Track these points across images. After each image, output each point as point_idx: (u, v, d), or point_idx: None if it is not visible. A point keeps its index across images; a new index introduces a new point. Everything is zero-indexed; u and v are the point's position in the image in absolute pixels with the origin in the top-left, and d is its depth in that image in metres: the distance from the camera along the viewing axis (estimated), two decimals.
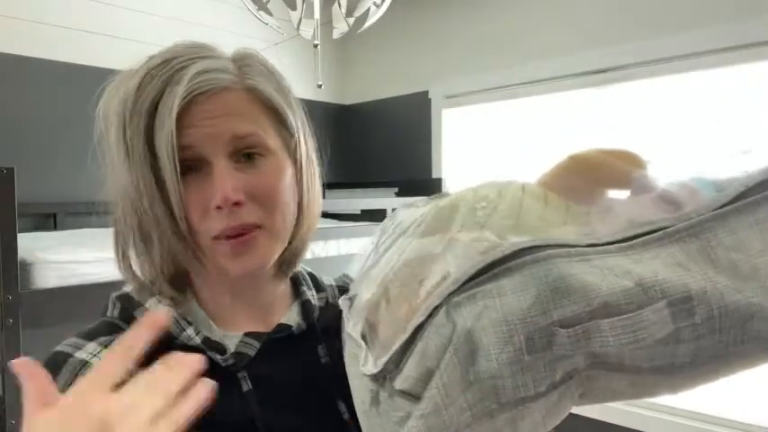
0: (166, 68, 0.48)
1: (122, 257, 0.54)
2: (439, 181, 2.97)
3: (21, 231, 1.36)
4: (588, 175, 0.44)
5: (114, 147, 0.49)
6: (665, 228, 0.37)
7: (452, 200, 0.47)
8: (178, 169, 0.47)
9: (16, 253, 1.34)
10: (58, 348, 0.50)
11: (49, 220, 2.22)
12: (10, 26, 2.19)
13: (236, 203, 0.49)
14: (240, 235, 0.50)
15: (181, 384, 0.35)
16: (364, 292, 0.48)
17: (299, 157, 0.56)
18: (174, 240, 0.50)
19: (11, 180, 1.31)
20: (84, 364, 0.48)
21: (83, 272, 1.48)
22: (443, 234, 0.44)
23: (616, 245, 0.37)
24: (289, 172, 0.55)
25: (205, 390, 0.36)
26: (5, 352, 1.32)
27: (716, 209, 0.38)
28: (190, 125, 0.48)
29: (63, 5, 2.33)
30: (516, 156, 2.70)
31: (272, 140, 0.53)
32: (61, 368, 0.48)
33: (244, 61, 0.54)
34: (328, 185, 3.41)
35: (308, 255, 2.17)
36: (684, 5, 2.13)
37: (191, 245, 0.50)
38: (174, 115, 0.47)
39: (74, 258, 1.49)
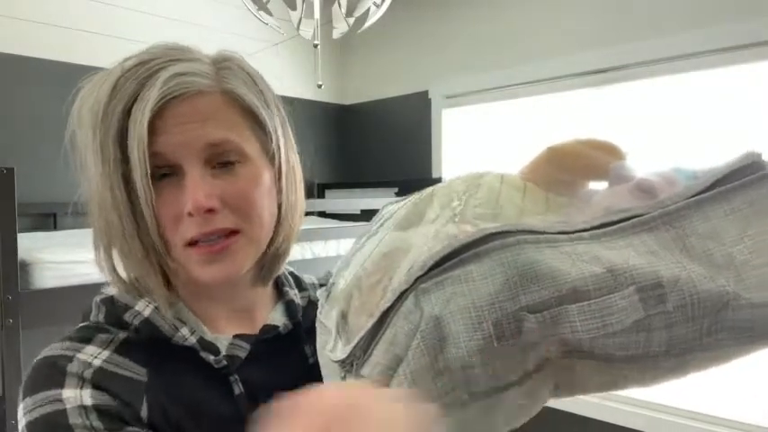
0: (141, 70, 0.47)
1: (104, 258, 0.52)
2: (439, 181, 2.96)
3: (21, 231, 1.36)
4: (567, 166, 0.44)
5: (87, 150, 0.48)
6: (639, 215, 0.37)
7: (429, 192, 0.47)
8: (149, 175, 0.46)
9: (16, 253, 1.34)
10: (54, 352, 0.49)
11: (48, 220, 2.22)
12: (10, 26, 2.19)
13: (210, 210, 0.48)
14: (215, 241, 0.49)
15: None
16: (340, 282, 0.48)
17: (277, 161, 0.55)
18: (140, 248, 0.49)
19: (11, 180, 1.31)
20: (89, 365, 0.48)
21: (82, 272, 1.49)
22: (419, 225, 0.44)
23: (589, 232, 0.37)
24: (266, 177, 0.53)
25: None
26: (5, 352, 1.32)
27: (690, 197, 0.37)
28: (163, 131, 0.47)
29: (63, 5, 2.33)
30: (516, 156, 2.70)
31: (249, 145, 0.52)
32: (66, 369, 0.47)
33: (223, 64, 0.53)
34: (328, 185, 3.41)
35: (308, 255, 2.16)
36: (684, 5, 2.13)
37: (160, 252, 0.49)
38: (146, 120, 0.46)
39: (73, 258, 1.49)
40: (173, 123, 0.48)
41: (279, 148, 0.55)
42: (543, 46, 2.55)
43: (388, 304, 0.37)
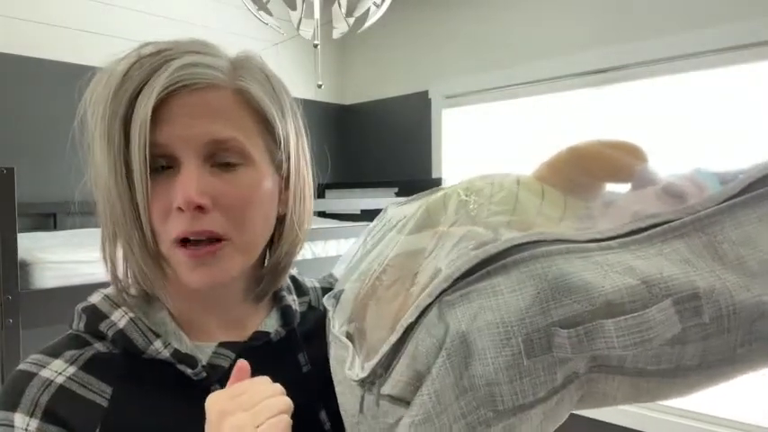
0: (156, 58, 0.46)
1: (108, 258, 0.51)
2: (439, 181, 2.97)
3: (21, 231, 1.36)
4: (588, 168, 0.42)
5: (95, 132, 0.47)
6: (669, 221, 0.35)
7: (444, 194, 0.45)
8: (147, 163, 0.45)
9: (16, 253, 1.34)
10: (22, 367, 0.48)
11: (49, 220, 2.22)
12: (10, 26, 2.19)
13: (199, 208, 0.46)
14: (202, 245, 0.47)
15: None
16: (350, 291, 0.46)
17: (285, 170, 0.53)
18: (136, 241, 0.47)
19: (11, 180, 1.31)
20: (49, 384, 0.46)
21: (82, 272, 1.48)
22: (434, 229, 0.42)
23: (618, 240, 0.35)
24: (268, 184, 0.51)
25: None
26: (5, 352, 1.32)
27: (722, 202, 0.36)
28: (167, 121, 0.46)
29: (63, 5, 2.32)
30: (516, 156, 2.70)
31: (255, 149, 0.50)
32: (25, 390, 0.46)
33: (241, 63, 0.51)
34: (328, 185, 3.41)
35: (308, 255, 2.16)
36: (684, 5, 2.13)
37: (151, 248, 0.48)
38: (150, 107, 0.44)
39: (73, 258, 1.49)
40: (178, 114, 0.46)
41: (289, 157, 0.53)
42: (543, 46, 2.55)
43: (411, 320, 0.36)
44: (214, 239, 0.48)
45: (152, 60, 0.46)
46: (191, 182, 0.46)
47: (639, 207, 0.38)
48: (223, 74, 0.49)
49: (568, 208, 0.41)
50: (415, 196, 0.53)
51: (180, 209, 0.46)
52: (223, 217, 0.48)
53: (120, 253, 0.50)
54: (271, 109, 0.51)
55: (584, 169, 0.42)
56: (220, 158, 0.48)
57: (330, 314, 0.50)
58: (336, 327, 0.47)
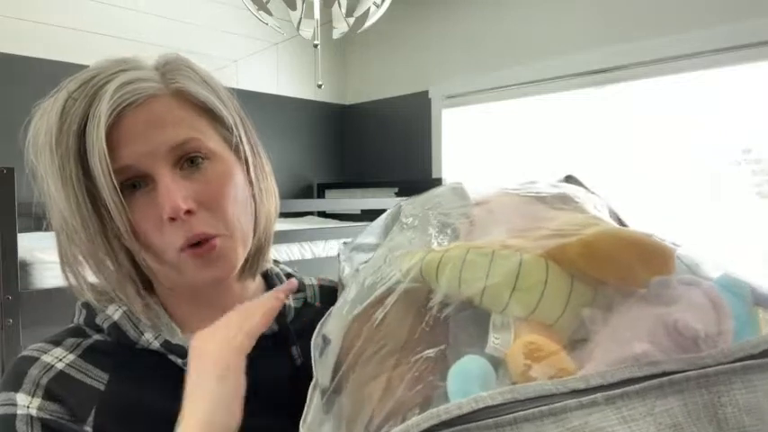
0: (87, 88, 0.47)
1: (73, 277, 0.53)
2: (439, 181, 2.97)
3: (21, 231, 1.36)
4: (599, 268, 0.38)
5: (47, 176, 0.48)
6: (670, 373, 0.31)
7: (441, 257, 0.42)
8: (118, 189, 0.46)
9: (16, 253, 1.34)
10: (25, 353, 0.50)
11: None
12: (10, 26, 2.19)
13: (189, 212, 0.48)
14: (203, 243, 0.49)
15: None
16: (336, 335, 0.44)
17: (243, 153, 0.54)
18: (113, 264, 0.49)
19: (11, 180, 1.31)
20: (50, 368, 0.49)
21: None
22: (423, 306, 0.39)
23: (604, 393, 0.31)
24: (237, 172, 0.53)
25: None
26: (5, 352, 1.32)
27: (738, 359, 0.31)
28: (123, 142, 0.47)
29: (63, 5, 2.33)
30: (516, 156, 2.70)
31: (213, 142, 0.52)
32: (27, 371, 0.48)
33: (166, 66, 0.52)
34: (328, 185, 3.41)
35: (308, 255, 2.16)
36: (685, 5, 2.13)
37: (145, 262, 0.50)
38: (102, 133, 0.45)
39: None
40: (132, 133, 0.47)
41: (241, 139, 0.54)
42: (543, 46, 2.55)
43: None
44: (209, 237, 0.50)
45: (84, 91, 0.47)
46: (172, 191, 0.47)
47: (641, 343, 0.33)
48: (157, 82, 0.49)
49: (572, 296, 0.37)
50: (424, 200, 0.51)
51: (172, 219, 0.47)
52: (208, 214, 0.50)
53: (87, 271, 0.52)
54: (210, 99, 0.52)
55: (594, 268, 0.38)
56: (185, 161, 0.50)
57: (314, 356, 0.48)
58: (319, 374, 0.45)
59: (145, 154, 0.47)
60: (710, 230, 2.13)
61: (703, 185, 2.16)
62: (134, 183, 0.48)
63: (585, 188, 0.52)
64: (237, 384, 0.47)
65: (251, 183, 0.55)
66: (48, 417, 0.47)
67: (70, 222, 0.48)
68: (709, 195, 2.15)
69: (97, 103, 0.46)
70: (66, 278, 0.53)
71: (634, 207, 2.20)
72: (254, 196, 0.55)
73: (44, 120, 0.48)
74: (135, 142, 0.47)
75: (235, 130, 0.54)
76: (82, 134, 0.46)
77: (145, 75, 0.49)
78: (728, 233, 2.08)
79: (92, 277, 0.53)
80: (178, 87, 0.50)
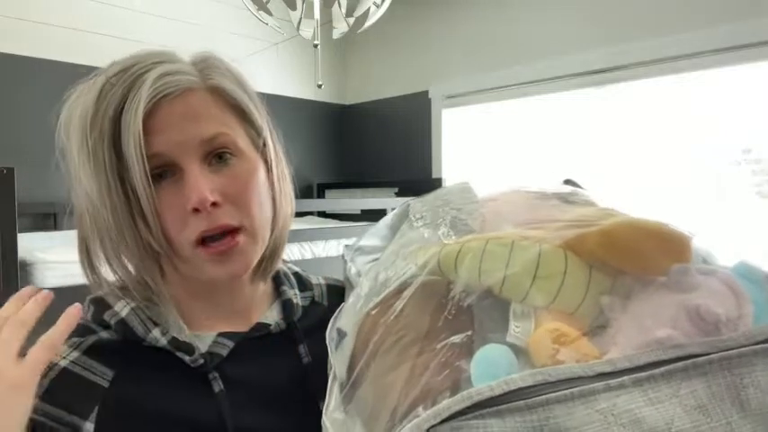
0: (126, 75, 0.48)
1: (89, 264, 0.53)
2: (439, 181, 2.97)
3: (21, 231, 1.36)
4: (618, 257, 0.38)
5: (79, 158, 0.48)
6: (694, 356, 0.32)
7: (459, 249, 0.42)
8: (149, 174, 0.47)
9: (16, 253, 1.34)
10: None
11: (48, 220, 2.22)
12: (10, 26, 2.19)
13: (214, 204, 0.48)
14: (221, 239, 0.50)
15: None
16: (351, 329, 0.44)
17: (267, 154, 0.56)
18: (139, 249, 0.49)
19: (11, 180, 1.31)
20: (53, 366, 0.49)
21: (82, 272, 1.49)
22: (443, 297, 0.39)
23: (632, 376, 0.31)
24: (261, 171, 0.54)
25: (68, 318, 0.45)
26: None
27: (759, 342, 0.32)
28: (157, 130, 0.48)
29: (63, 5, 2.33)
30: (516, 156, 2.70)
31: (241, 139, 0.53)
32: None
33: (203, 63, 0.53)
34: (328, 185, 3.41)
35: (308, 255, 2.15)
36: (685, 5, 2.13)
37: (164, 252, 0.50)
38: (140, 119, 0.46)
39: (74, 258, 1.48)
40: (166, 122, 0.48)
41: (267, 141, 0.56)
42: (543, 46, 2.55)
43: None
44: (229, 232, 0.50)
45: (122, 78, 0.47)
46: (200, 182, 0.48)
47: (664, 328, 0.33)
48: (195, 77, 0.51)
49: (591, 284, 0.38)
50: (433, 198, 0.51)
51: (196, 210, 0.48)
52: (233, 208, 0.50)
53: (102, 258, 0.52)
54: (244, 99, 0.54)
55: (613, 258, 0.38)
56: (214, 156, 0.51)
57: (330, 347, 0.48)
58: (336, 365, 0.45)
59: (177, 144, 0.48)
60: (711, 230, 2.13)
61: (703, 185, 2.16)
62: (161, 172, 0.49)
63: (584, 191, 0.53)
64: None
65: (272, 184, 0.56)
66: (44, 420, 0.46)
67: (97, 204, 0.48)
68: (710, 195, 2.15)
69: (136, 91, 0.47)
70: (84, 266, 0.53)
71: (633, 207, 2.20)
72: (274, 198, 0.56)
73: (80, 102, 0.49)
74: (169, 131, 0.48)
75: (262, 132, 0.55)
76: (118, 119, 0.47)
77: (183, 68, 0.50)
78: (729, 233, 2.08)
79: (106, 273, 0.53)
80: (214, 84, 0.52)
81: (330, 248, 2.21)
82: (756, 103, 2.01)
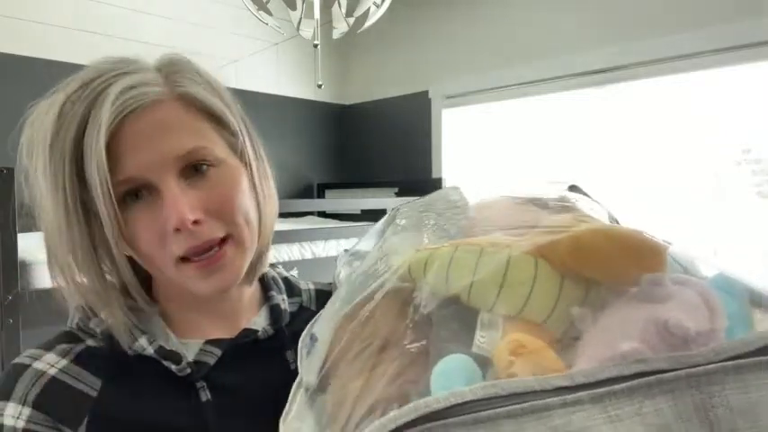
0: (87, 92, 0.44)
1: (62, 280, 0.50)
2: (439, 181, 2.97)
3: (21, 231, 1.35)
4: (589, 266, 0.37)
5: (40, 182, 0.45)
6: (660, 371, 0.29)
7: (429, 255, 0.41)
8: (114, 202, 0.44)
9: (16, 253, 1.34)
10: (17, 360, 0.49)
11: None
12: (10, 26, 2.19)
13: (195, 222, 0.46)
14: (207, 252, 0.48)
15: None
16: (325, 333, 0.43)
17: (247, 157, 0.53)
18: (96, 278, 0.48)
19: (11, 180, 1.31)
20: (42, 375, 0.48)
21: None
22: (407, 304, 0.38)
23: (590, 391, 0.29)
24: (243, 177, 0.52)
25: None
26: (5, 352, 1.32)
27: (730, 358, 0.29)
28: (125, 151, 0.44)
29: (63, 5, 2.33)
30: (516, 156, 2.70)
31: (219, 148, 0.50)
32: (18, 379, 0.47)
33: (170, 68, 0.49)
34: (328, 185, 3.41)
35: (308, 255, 2.15)
36: (685, 5, 2.13)
37: (130, 282, 0.49)
38: (102, 144, 0.42)
39: None
40: (134, 141, 0.45)
41: (245, 144, 0.53)
42: (543, 46, 2.55)
43: None
44: (219, 242, 0.49)
45: (83, 94, 0.44)
46: (179, 201, 0.45)
47: (630, 342, 0.31)
48: (160, 86, 0.47)
49: (562, 295, 0.36)
50: (420, 203, 0.51)
51: (177, 230, 0.46)
52: (218, 221, 0.48)
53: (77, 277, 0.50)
54: (217, 104, 0.51)
55: (583, 265, 0.36)
56: (191, 169, 0.48)
57: (301, 350, 0.48)
58: (304, 369, 0.45)
59: (149, 163, 0.45)
60: (711, 230, 2.13)
61: (703, 185, 2.16)
62: (136, 192, 0.46)
63: (589, 197, 0.52)
64: None
65: (255, 187, 0.54)
66: (35, 428, 0.46)
67: (57, 228, 0.46)
68: (710, 195, 2.15)
69: (98, 109, 0.43)
70: (54, 281, 0.50)
71: (633, 207, 2.21)
72: (258, 201, 0.54)
73: (39, 122, 0.45)
74: (139, 151, 0.45)
75: (240, 135, 0.52)
76: (80, 140, 0.44)
77: (148, 78, 0.47)
78: (729, 233, 2.08)
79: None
80: (183, 91, 0.48)
81: (330, 248, 2.21)
82: (756, 103, 2.01)
